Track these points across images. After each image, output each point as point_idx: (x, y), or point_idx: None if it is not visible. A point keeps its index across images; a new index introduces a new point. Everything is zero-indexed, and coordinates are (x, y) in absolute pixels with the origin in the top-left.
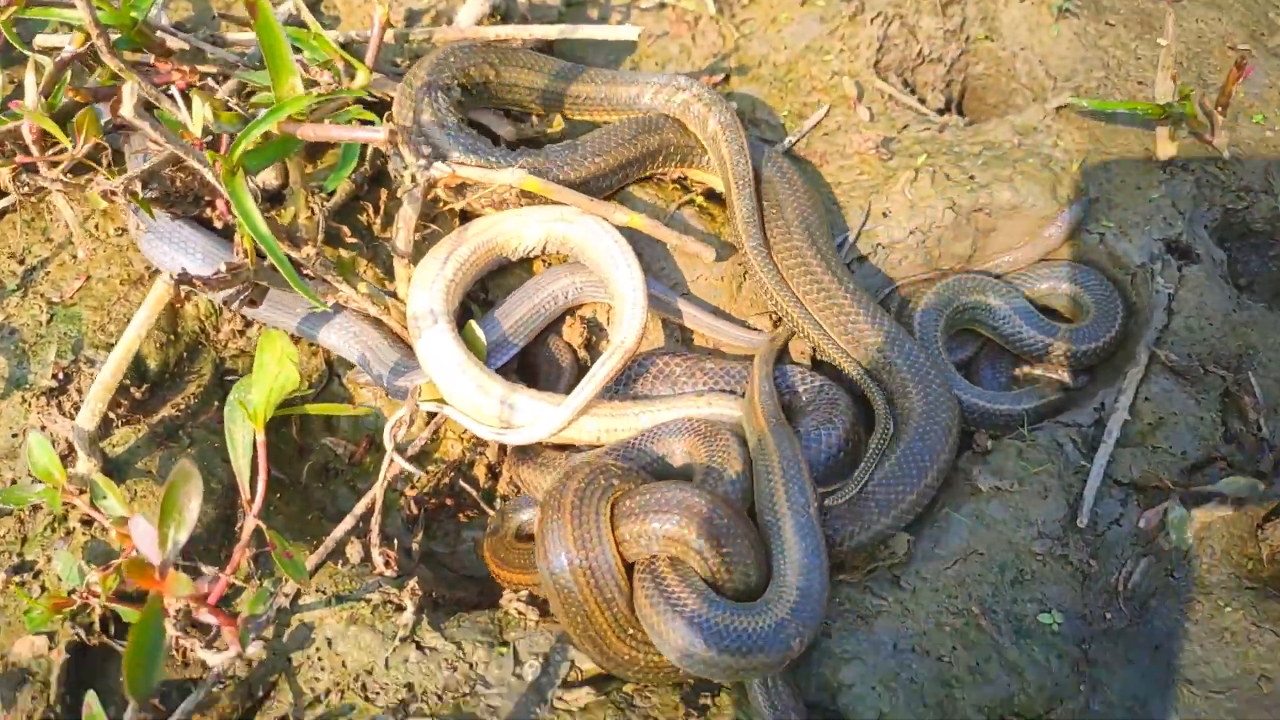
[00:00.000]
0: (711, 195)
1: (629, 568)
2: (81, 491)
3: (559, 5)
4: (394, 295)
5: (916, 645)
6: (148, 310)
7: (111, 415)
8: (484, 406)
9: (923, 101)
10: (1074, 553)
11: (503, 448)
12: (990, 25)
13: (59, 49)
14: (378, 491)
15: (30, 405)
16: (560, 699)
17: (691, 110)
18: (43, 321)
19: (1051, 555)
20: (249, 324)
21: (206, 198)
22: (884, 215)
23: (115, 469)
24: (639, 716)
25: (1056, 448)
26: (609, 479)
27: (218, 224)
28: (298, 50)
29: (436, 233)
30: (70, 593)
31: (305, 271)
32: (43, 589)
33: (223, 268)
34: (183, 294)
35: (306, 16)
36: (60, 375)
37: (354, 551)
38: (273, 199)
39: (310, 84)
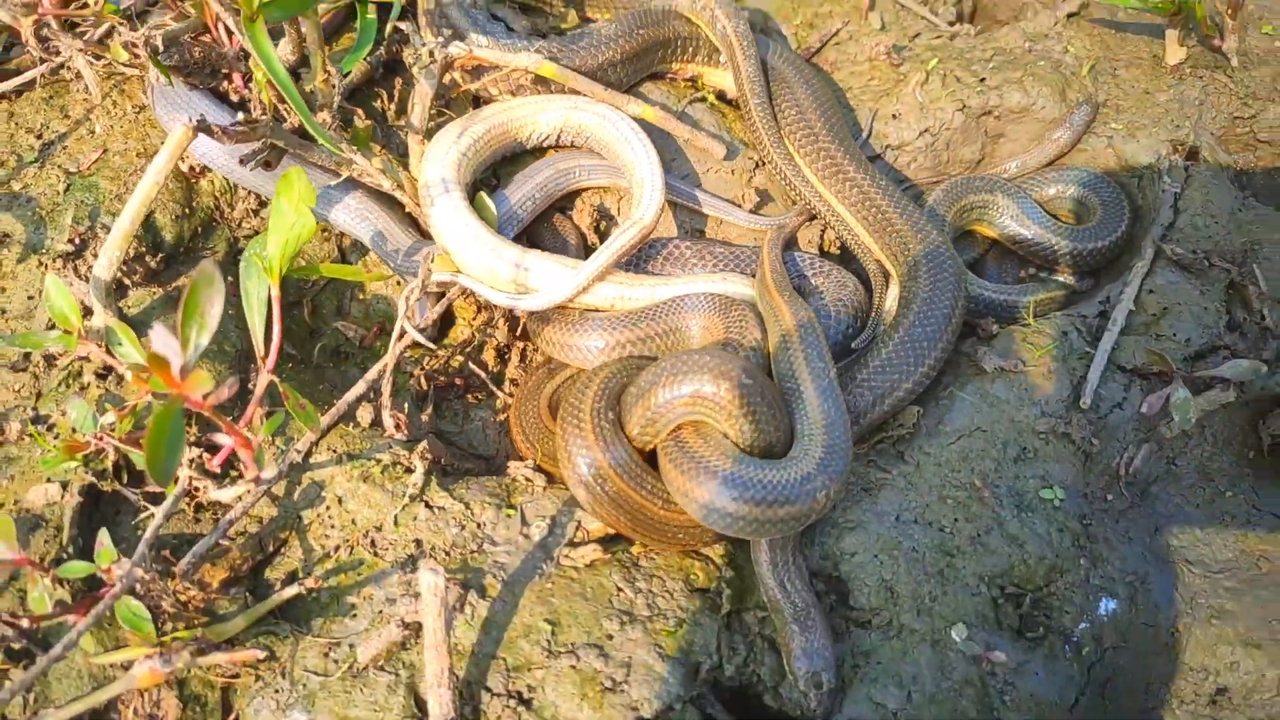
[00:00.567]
0: (723, 97)
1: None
2: (97, 344)
3: None
4: (406, 169)
5: (919, 516)
6: (165, 156)
7: (126, 281)
8: (498, 271)
9: (934, 14)
10: (1076, 432)
11: (512, 328)
12: None
13: None
14: (389, 358)
15: (46, 268)
16: (567, 556)
17: (700, 6)
18: (60, 190)
19: (1054, 433)
20: (263, 204)
21: (224, 70)
22: (894, 117)
23: (130, 327)
24: (644, 575)
25: (1061, 335)
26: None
27: (233, 97)
28: None
29: (450, 117)
30: (83, 439)
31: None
32: (56, 439)
33: (240, 117)
34: (198, 165)
35: None
36: (76, 240)
37: (365, 415)
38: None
39: None
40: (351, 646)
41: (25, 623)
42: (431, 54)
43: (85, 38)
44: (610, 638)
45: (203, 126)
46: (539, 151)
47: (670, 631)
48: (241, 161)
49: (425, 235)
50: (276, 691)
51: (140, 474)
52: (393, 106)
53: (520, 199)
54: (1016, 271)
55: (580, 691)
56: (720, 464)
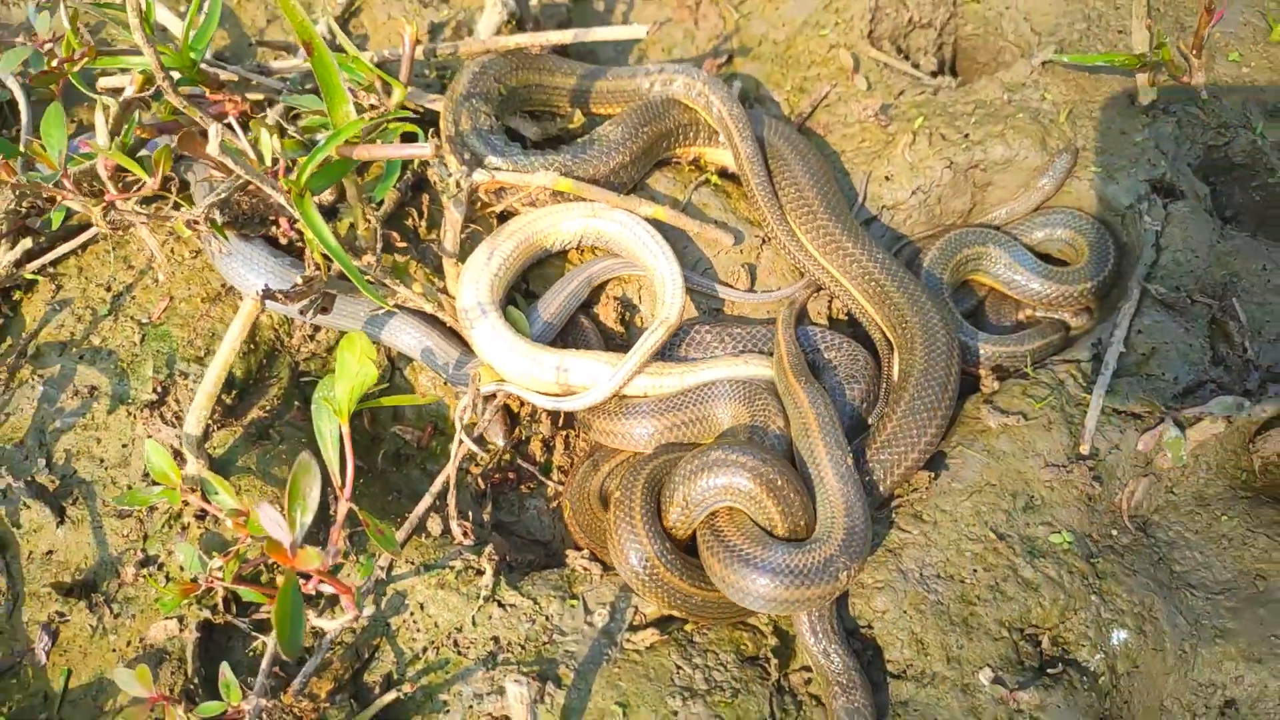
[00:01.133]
0: (724, 174)
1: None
2: (193, 490)
3: (566, 2)
4: (445, 292)
5: (941, 571)
6: (240, 325)
7: (208, 422)
8: (540, 375)
9: (916, 66)
10: (1079, 478)
11: (555, 420)
12: None
13: (120, 89)
14: (451, 470)
15: (135, 417)
16: (629, 640)
17: (696, 94)
18: (136, 341)
19: (1058, 481)
20: (317, 330)
21: (271, 218)
22: (887, 179)
23: (218, 468)
24: (698, 651)
25: (1058, 383)
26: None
27: (281, 240)
28: None
29: (477, 231)
30: (193, 579)
31: (367, 278)
32: (168, 578)
33: (299, 280)
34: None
35: (342, 40)
36: (158, 389)
37: (435, 525)
38: (327, 213)
39: (360, 109)
40: None
41: None
42: (459, 184)
43: (135, 202)
44: (675, 714)
45: (268, 294)
46: (562, 254)
47: (728, 703)
48: (301, 312)
49: (467, 345)
50: None
51: (247, 605)
52: (423, 223)
53: (554, 313)
54: (1014, 315)
55: None
56: (753, 552)
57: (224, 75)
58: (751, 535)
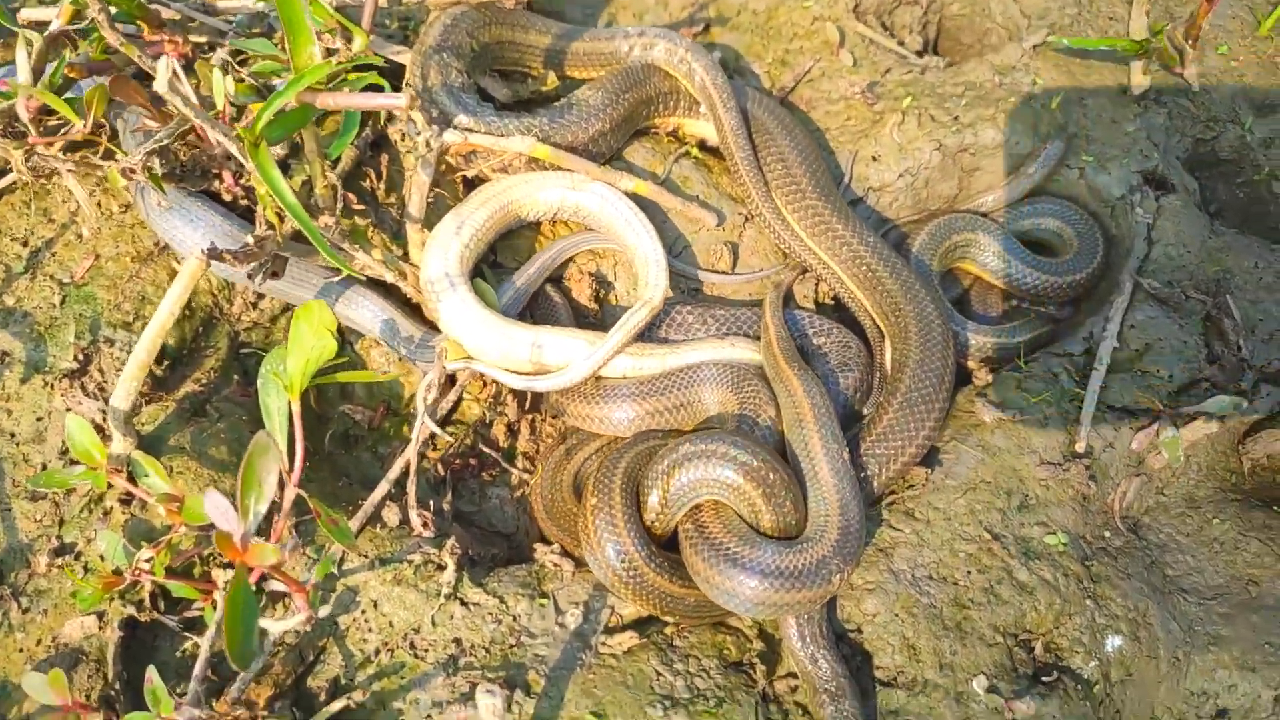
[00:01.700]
0: (704, 146)
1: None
2: (118, 471)
3: None
4: (406, 259)
5: (933, 572)
6: (180, 287)
7: (138, 395)
8: (513, 352)
9: (901, 43)
10: (1075, 476)
11: (521, 404)
12: None
13: (45, 22)
14: (411, 454)
15: (53, 388)
16: (604, 644)
17: (678, 60)
18: (55, 303)
19: (1054, 480)
20: (260, 298)
21: (215, 171)
22: (873, 159)
23: (147, 446)
24: (680, 657)
25: (1052, 378)
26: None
27: (225, 196)
28: None
29: (441, 196)
30: (116, 571)
31: (326, 240)
32: (86, 569)
33: (250, 239)
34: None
35: None
36: (80, 356)
37: (392, 515)
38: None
39: (329, 52)
40: None
41: None
42: (428, 144)
43: (60, 148)
44: None
45: (214, 254)
46: (533, 225)
47: (711, 712)
48: (249, 276)
49: (427, 321)
50: None
51: (177, 601)
52: (381, 186)
53: (525, 282)
54: (1000, 304)
55: None
56: (740, 551)
57: (165, 13)
58: (738, 533)
